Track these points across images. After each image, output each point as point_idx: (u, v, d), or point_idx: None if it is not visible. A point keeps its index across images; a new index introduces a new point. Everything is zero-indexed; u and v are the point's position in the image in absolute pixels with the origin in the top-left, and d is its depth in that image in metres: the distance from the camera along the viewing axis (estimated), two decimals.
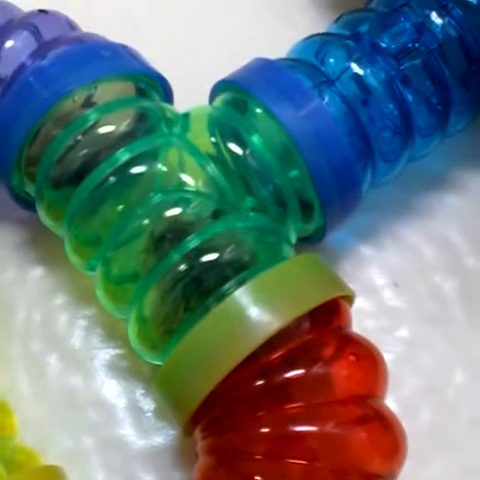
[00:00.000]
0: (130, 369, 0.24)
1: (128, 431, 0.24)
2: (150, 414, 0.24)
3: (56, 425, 0.24)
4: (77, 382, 0.24)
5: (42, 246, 0.26)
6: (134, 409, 0.24)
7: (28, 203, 0.25)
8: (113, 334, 0.25)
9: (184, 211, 0.22)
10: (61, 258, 0.25)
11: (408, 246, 0.26)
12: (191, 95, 0.24)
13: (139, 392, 0.24)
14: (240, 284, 0.20)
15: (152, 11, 0.30)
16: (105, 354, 0.24)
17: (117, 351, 0.24)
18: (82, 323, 0.25)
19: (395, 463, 0.19)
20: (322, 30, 0.26)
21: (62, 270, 0.26)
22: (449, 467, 0.23)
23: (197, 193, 0.22)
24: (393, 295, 0.25)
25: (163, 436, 0.23)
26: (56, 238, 0.25)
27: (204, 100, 0.25)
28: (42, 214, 0.24)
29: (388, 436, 0.19)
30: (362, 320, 0.22)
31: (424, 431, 0.21)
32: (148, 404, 0.24)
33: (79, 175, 0.22)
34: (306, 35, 0.26)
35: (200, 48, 0.29)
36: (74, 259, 0.23)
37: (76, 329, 0.25)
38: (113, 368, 0.24)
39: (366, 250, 0.26)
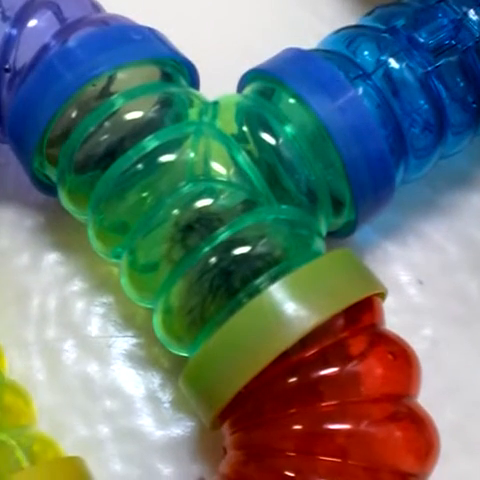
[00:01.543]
0: (148, 359, 0.24)
1: (146, 421, 0.23)
2: (168, 405, 0.23)
3: (72, 413, 0.23)
4: (94, 370, 0.24)
5: (58, 231, 0.26)
6: (152, 399, 0.23)
7: (47, 187, 0.24)
8: (130, 323, 0.24)
9: (215, 202, 0.21)
10: (77, 244, 0.25)
11: (433, 244, 0.26)
12: (210, 83, 0.24)
13: (157, 382, 0.24)
14: (273, 279, 0.20)
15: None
16: (122, 343, 0.24)
17: (135, 340, 0.24)
18: (99, 310, 0.25)
19: (428, 462, 0.19)
20: (346, 19, 0.26)
21: (78, 256, 0.25)
22: (472, 467, 0.23)
23: (228, 183, 0.22)
24: (418, 293, 0.25)
25: (182, 427, 0.23)
26: (72, 223, 0.24)
27: (224, 89, 0.24)
28: (64, 199, 0.23)
29: (422, 435, 0.19)
30: (386, 317, 0.22)
31: (447, 430, 0.20)
32: (166, 395, 0.23)
33: (103, 160, 0.22)
34: (330, 25, 0.25)
35: (223, 36, 0.28)
36: (97, 245, 0.23)
37: (92, 316, 0.24)
38: (131, 357, 0.24)
39: (391, 247, 0.25)
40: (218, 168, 0.22)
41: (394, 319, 0.23)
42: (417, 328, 0.24)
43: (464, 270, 0.25)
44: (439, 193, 0.26)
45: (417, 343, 0.21)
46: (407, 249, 0.25)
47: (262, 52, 0.24)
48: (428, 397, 0.21)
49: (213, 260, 0.20)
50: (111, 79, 0.22)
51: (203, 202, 0.21)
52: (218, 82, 0.24)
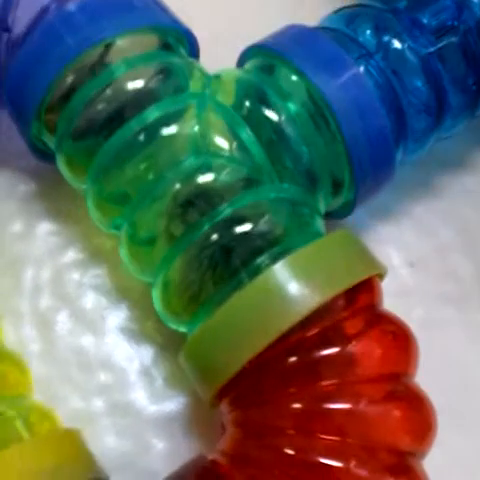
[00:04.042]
0: (142, 333, 0.24)
1: (139, 395, 0.23)
2: (161, 381, 0.23)
3: (65, 385, 0.23)
4: (87, 342, 0.24)
5: (52, 200, 0.25)
6: (145, 374, 0.23)
7: (44, 154, 0.24)
8: (125, 296, 0.24)
9: (216, 177, 0.21)
10: (71, 214, 0.25)
11: (425, 226, 0.26)
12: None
13: (151, 357, 0.24)
14: (274, 258, 0.20)
15: None
16: (116, 317, 0.24)
17: (129, 313, 0.24)
18: (93, 282, 0.24)
19: (426, 441, 0.19)
20: (329, 7, 0.25)
21: (72, 227, 0.25)
22: (463, 447, 0.23)
23: (230, 158, 0.21)
24: (410, 274, 0.25)
25: (175, 403, 0.23)
26: (67, 192, 0.24)
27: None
28: (62, 166, 0.23)
29: (420, 414, 0.19)
30: None
31: (438, 412, 0.21)
32: (159, 369, 0.23)
33: (102, 128, 0.22)
34: (312, 11, 0.25)
35: (206, 19, 0.27)
36: (96, 215, 0.22)
37: (86, 288, 0.24)
38: (125, 330, 0.24)
39: (383, 229, 0.26)
40: (220, 142, 0.22)
41: (386, 301, 0.23)
42: (408, 310, 0.24)
43: (456, 252, 0.25)
44: (432, 175, 0.26)
45: (408, 325, 0.21)
46: (400, 231, 0.26)
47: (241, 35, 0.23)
48: (419, 379, 0.21)
49: (214, 237, 0.20)
50: (109, 46, 0.22)
51: (204, 177, 0.21)
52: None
